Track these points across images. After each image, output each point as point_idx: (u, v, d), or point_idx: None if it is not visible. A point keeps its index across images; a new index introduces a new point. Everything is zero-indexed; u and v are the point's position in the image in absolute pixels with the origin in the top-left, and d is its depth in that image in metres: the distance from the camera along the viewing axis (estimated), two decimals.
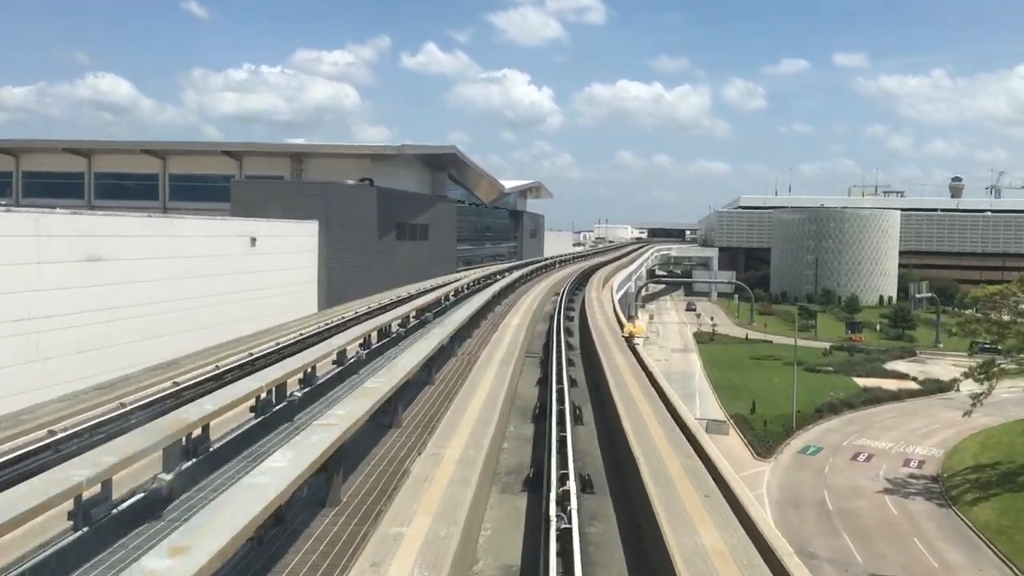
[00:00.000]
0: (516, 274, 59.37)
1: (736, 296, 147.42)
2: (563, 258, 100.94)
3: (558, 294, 49.91)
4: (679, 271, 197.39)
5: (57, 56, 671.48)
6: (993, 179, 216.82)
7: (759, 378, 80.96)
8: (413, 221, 63.45)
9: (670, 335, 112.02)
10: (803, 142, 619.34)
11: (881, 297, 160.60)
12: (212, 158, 60.50)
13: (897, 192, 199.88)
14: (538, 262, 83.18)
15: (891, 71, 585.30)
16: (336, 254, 49.42)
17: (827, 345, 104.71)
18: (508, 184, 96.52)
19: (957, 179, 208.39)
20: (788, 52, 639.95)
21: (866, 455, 53.56)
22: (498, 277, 54.79)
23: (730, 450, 50.82)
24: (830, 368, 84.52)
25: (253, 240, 42.06)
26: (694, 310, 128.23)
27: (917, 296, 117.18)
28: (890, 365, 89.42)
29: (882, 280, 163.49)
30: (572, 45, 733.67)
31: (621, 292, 68.72)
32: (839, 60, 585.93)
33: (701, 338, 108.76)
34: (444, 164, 73.18)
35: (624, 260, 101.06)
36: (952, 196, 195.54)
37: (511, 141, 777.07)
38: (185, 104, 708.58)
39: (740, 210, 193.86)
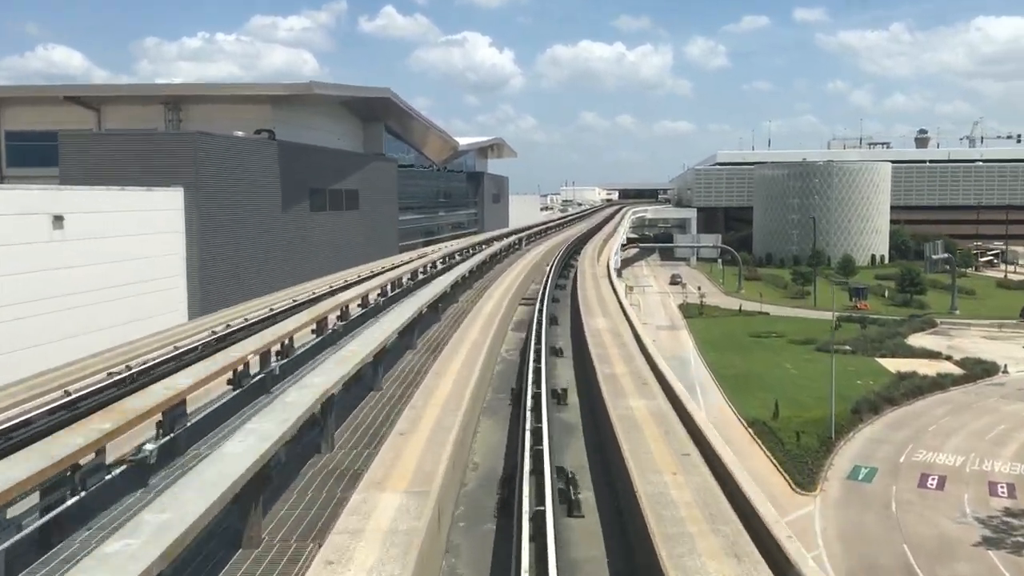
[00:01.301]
0: (464, 267, 44.95)
1: (719, 261, 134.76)
2: (531, 230, 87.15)
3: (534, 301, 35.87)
4: (654, 234, 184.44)
5: (6, 28, 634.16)
6: (965, 130, 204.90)
7: (766, 362, 68.27)
8: (335, 186, 49.00)
9: (652, 308, 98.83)
10: (766, 100, 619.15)
11: (873, 257, 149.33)
12: (60, 109, 45.33)
13: (882, 143, 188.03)
14: (499, 239, 69.47)
15: (851, 26, 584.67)
16: (213, 235, 34.98)
17: (832, 316, 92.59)
18: (463, 141, 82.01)
19: (923, 132, 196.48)
20: (749, 9, 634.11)
21: (935, 478, 40.92)
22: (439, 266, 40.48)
23: (760, 477, 37.64)
24: (847, 348, 71.97)
25: (57, 219, 27.49)
26: (680, 283, 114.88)
27: (934, 257, 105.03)
28: (912, 340, 77.18)
29: (874, 238, 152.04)
30: (532, 6, 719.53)
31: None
32: (799, 16, 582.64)
33: (688, 311, 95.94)
34: (378, 113, 58.60)
35: (607, 228, 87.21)
36: (917, 149, 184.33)
37: (475, 105, 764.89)
38: (139, 74, 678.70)
39: (718, 167, 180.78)
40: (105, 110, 44.97)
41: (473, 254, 40.22)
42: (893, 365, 66.19)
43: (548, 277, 33.46)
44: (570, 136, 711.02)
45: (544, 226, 70.11)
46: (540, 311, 23.81)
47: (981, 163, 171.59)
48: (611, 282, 34.89)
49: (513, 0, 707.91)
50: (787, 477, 40.82)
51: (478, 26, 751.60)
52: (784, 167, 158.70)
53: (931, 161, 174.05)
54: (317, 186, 46.10)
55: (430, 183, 76.63)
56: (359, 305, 23.40)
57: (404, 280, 29.75)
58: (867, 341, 74.55)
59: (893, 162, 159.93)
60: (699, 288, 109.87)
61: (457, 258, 39.55)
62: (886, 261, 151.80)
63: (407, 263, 36.46)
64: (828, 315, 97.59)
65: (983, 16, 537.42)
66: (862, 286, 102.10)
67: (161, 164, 34.90)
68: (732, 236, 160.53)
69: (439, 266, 35.33)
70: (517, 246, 52.01)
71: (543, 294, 27.99)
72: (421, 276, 31.60)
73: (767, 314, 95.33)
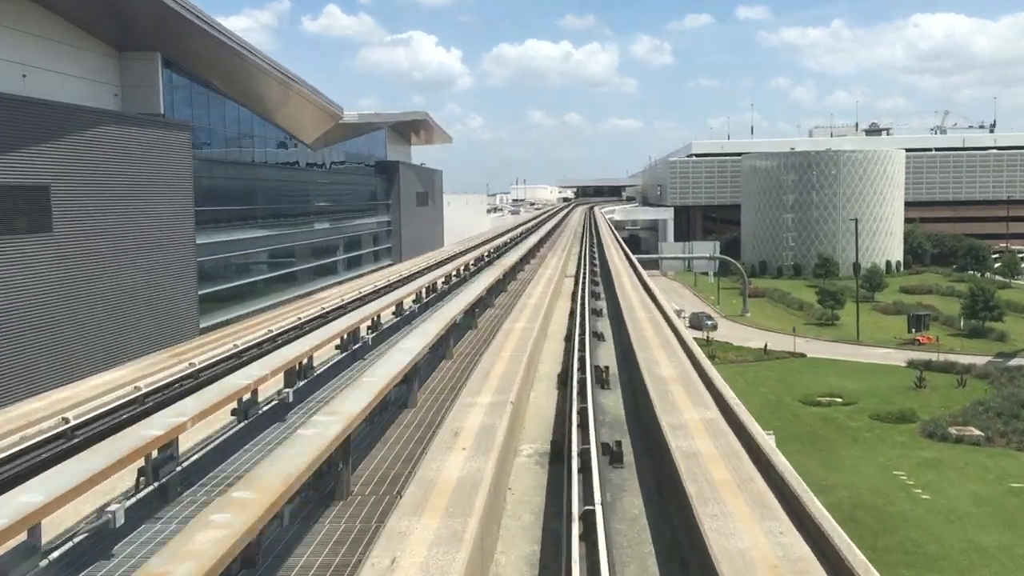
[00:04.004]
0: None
1: (711, 274, 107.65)
2: (469, 257, 55.83)
3: None
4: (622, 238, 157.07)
5: None
6: (905, 124, 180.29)
7: (863, 469, 40.91)
8: None
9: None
10: (710, 96, 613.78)
11: (888, 264, 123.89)
12: None
13: (883, 130, 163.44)
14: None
15: (792, 23, 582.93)
16: None
17: (894, 354, 66.43)
18: (362, 111, 53.02)
19: (874, 126, 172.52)
20: (692, 7, 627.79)
21: None
22: None
23: None
24: (977, 434, 45.03)
25: None
26: (705, 324, 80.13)
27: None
28: None
29: (888, 241, 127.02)
30: (478, 5, 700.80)
31: None
32: (742, 13, 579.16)
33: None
34: (148, 33, 29.43)
35: (606, 251, 50.48)
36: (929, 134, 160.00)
37: (421, 105, 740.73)
38: None
39: (694, 159, 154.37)
40: None
41: None
42: None
43: None
44: (518, 134, 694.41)
45: (489, 246, 40.83)
46: None
47: (994, 151, 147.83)
48: None
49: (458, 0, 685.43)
50: None
51: (424, 25, 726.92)
52: (777, 158, 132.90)
53: (935, 149, 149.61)
54: None
55: (299, 178, 47.88)
56: None
57: None
58: (995, 417, 47.51)
59: (909, 150, 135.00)
60: (681, 313, 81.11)
61: None
62: (902, 268, 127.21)
63: None
64: (881, 353, 71.63)
65: (920, 13, 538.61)
66: (924, 312, 75.70)
67: None
68: (713, 240, 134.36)
69: None
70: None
71: None
72: None
73: (803, 356, 68.37)
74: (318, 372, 15.36)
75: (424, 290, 23.57)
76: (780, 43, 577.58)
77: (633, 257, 30.65)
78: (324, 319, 23.56)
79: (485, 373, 13.89)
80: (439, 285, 25.36)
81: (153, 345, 24.66)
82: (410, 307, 22.14)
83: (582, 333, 16.96)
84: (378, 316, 20.35)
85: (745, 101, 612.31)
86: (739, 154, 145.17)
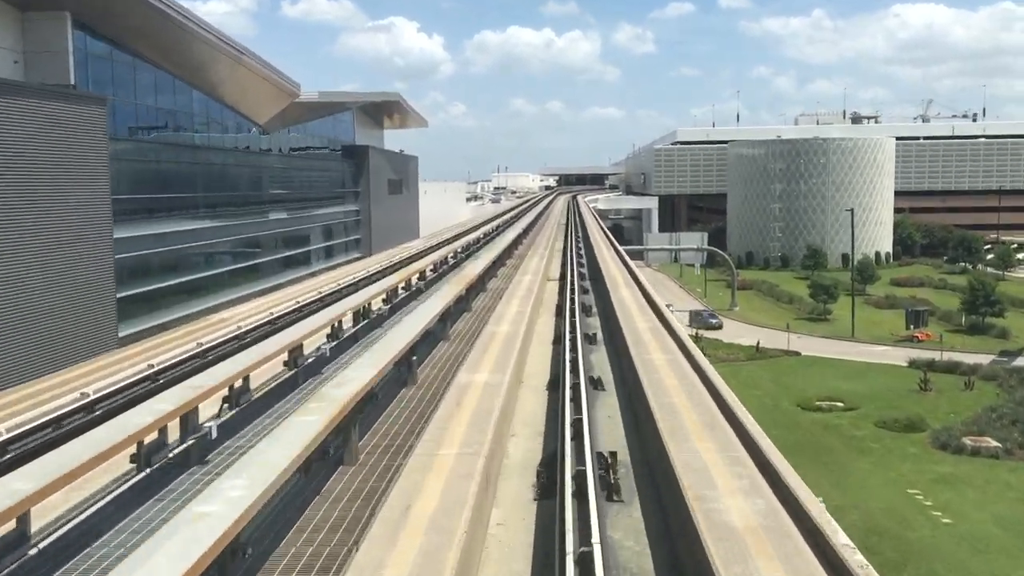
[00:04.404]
0: None
1: (697, 265, 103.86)
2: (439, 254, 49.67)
3: None
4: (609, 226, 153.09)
5: None
6: (919, 109, 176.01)
7: (876, 488, 37.25)
8: None
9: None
10: (692, 86, 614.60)
11: (877, 255, 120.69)
12: None
13: (868, 118, 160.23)
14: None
15: (774, 13, 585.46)
16: None
17: (892, 352, 62.93)
18: (323, 89, 48.49)
19: (855, 115, 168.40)
20: None
21: None
22: None
23: None
24: (995, 445, 41.49)
25: None
26: (709, 321, 74.49)
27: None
28: None
29: (877, 231, 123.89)
30: None
31: None
32: (724, 2, 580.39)
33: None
34: None
35: (594, 243, 43.79)
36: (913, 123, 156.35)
37: (403, 92, 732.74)
38: None
39: (680, 147, 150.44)
40: None
41: None
42: None
43: None
44: (500, 122, 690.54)
45: (458, 244, 35.60)
46: None
47: (983, 139, 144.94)
48: None
49: None
50: None
51: (405, 11, 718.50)
52: (763, 145, 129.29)
53: (923, 138, 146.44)
54: None
55: (252, 163, 43.23)
56: None
57: None
58: (1011, 426, 44.02)
59: (899, 139, 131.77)
60: (669, 305, 75.84)
61: None
62: (891, 260, 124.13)
63: None
64: (878, 350, 68.20)
65: (900, 3, 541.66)
66: (922, 307, 72.30)
67: None
68: (699, 230, 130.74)
69: None
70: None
71: None
72: None
73: (797, 354, 64.75)
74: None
75: (361, 309, 19.15)
76: (762, 32, 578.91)
77: (631, 264, 25.45)
78: (274, 324, 19.50)
79: (404, 510, 7.79)
80: (377, 305, 20.66)
81: (55, 363, 20.35)
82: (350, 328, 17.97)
83: (575, 384, 12.40)
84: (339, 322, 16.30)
85: (727, 91, 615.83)
86: (725, 142, 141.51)
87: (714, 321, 73.42)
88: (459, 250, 32.45)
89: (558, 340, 16.30)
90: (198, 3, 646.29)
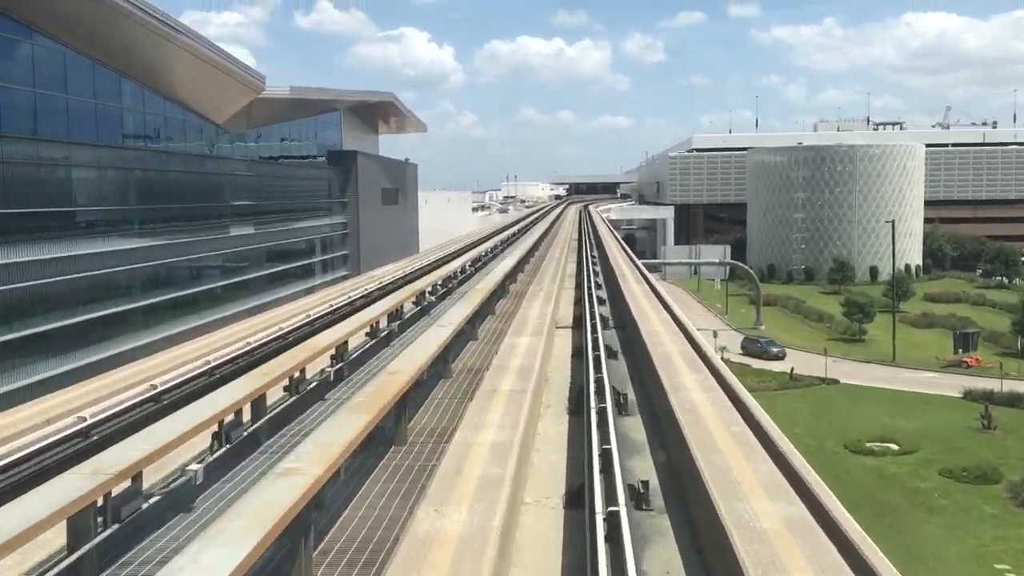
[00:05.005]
0: None
1: (718, 280, 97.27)
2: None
3: None
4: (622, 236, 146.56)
5: None
6: (937, 117, 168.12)
7: (961, 563, 30.76)
8: None
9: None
10: (702, 94, 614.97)
11: (907, 267, 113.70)
12: None
13: (892, 123, 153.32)
14: None
15: (784, 21, 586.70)
16: None
17: (940, 379, 56.25)
18: (295, 84, 42.28)
19: (877, 123, 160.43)
20: (684, 5, 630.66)
21: None
22: None
23: None
24: None
25: None
26: (763, 347, 65.57)
27: None
28: None
29: (907, 243, 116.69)
30: (469, 1, 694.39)
31: None
32: (733, 11, 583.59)
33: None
34: None
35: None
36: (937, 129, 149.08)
37: (413, 101, 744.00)
38: None
39: (696, 154, 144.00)
40: None
41: None
42: None
43: None
44: (510, 132, 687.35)
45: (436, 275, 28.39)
46: None
47: (1015, 147, 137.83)
48: None
49: None
50: None
51: (416, 22, 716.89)
52: (785, 152, 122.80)
53: (952, 144, 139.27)
54: None
55: (206, 167, 36.83)
56: None
57: None
58: None
59: (930, 146, 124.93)
60: (777, 349, 64.60)
61: None
62: (920, 274, 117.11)
63: None
64: (924, 378, 61.50)
65: (911, 12, 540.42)
66: (972, 330, 65.48)
67: None
68: (717, 241, 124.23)
69: None
70: None
71: None
72: None
73: (836, 382, 58.15)
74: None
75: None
76: (772, 41, 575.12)
77: (693, 332, 16.79)
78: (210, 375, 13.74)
79: None
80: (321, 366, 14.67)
81: None
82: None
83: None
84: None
85: (736, 99, 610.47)
86: (743, 149, 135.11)
87: (775, 350, 63.90)
88: (438, 284, 25.42)
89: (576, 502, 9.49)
90: (212, 13, 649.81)
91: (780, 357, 63.05)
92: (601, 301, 23.56)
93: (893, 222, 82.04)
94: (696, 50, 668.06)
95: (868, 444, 43.75)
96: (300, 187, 48.50)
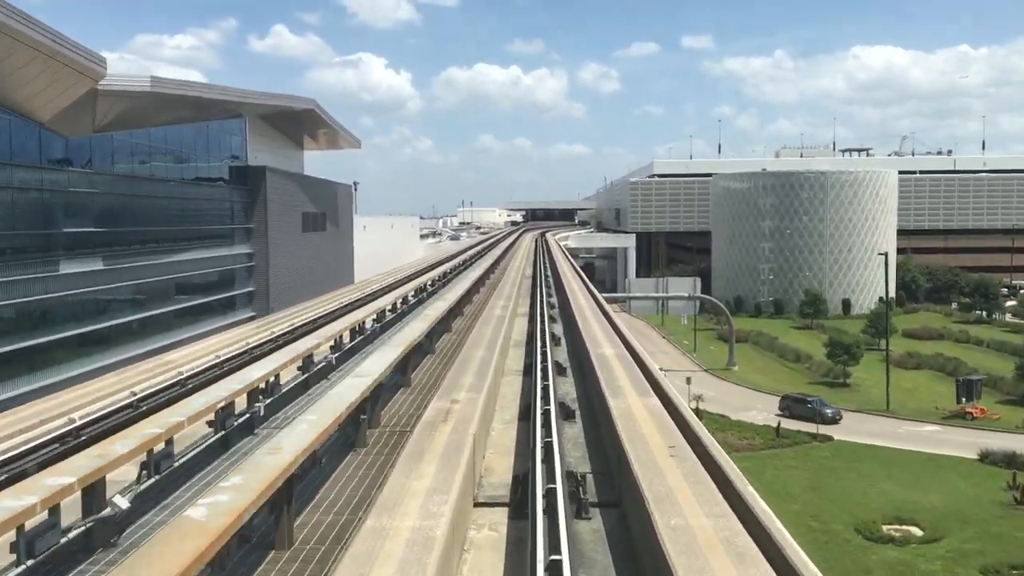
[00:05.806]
0: None
1: (684, 316, 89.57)
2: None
3: None
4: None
5: None
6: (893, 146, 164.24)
7: None
8: None
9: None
10: (657, 123, 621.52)
11: (881, 299, 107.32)
12: None
13: (860, 150, 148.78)
14: None
15: (736, 53, 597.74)
16: None
17: (944, 434, 48.81)
18: (155, 74, 33.26)
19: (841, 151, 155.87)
20: (638, 35, 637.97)
21: None
22: None
23: None
24: None
25: None
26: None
27: None
28: None
29: (879, 274, 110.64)
30: (426, 28, 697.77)
31: None
32: (687, 43, 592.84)
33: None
34: None
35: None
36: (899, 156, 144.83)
37: (371, 127, 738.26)
38: None
39: (658, 179, 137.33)
40: None
41: None
42: None
43: None
44: (467, 158, 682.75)
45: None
46: None
47: (985, 174, 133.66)
48: None
49: (406, 22, 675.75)
50: None
51: (373, 47, 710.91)
52: (750, 178, 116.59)
53: (923, 172, 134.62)
54: None
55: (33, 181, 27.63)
56: None
57: None
58: None
59: (903, 172, 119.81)
60: (831, 411, 53.75)
61: None
62: (894, 306, 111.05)
63: None
64: (926, 432, 54.19)
65: (859, 45, 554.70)
66: (976, 377, 58.33)
67: None
68: (679, 271, 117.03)
69: None
70: None
71: None
72: None
73: (830, 439, 50.39)
74: None
75: None
76: (724, 72, 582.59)
77: (683, 403, 10.37)
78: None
79: None
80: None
81: None
82: None
83: None
84: None
85: (691, 128, 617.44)
86: (706, 175, 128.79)
87: (829, 412, 52.89)
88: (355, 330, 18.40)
89: None
90: (164, 36, 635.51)
91: (836, 420, 52.87)
92: (562, 371, 15.47)
93: (886, 254, 75.66)
94: (650, 80, 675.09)
95: (885, 528, 35.79)
96: (181, 209, 39.08)
